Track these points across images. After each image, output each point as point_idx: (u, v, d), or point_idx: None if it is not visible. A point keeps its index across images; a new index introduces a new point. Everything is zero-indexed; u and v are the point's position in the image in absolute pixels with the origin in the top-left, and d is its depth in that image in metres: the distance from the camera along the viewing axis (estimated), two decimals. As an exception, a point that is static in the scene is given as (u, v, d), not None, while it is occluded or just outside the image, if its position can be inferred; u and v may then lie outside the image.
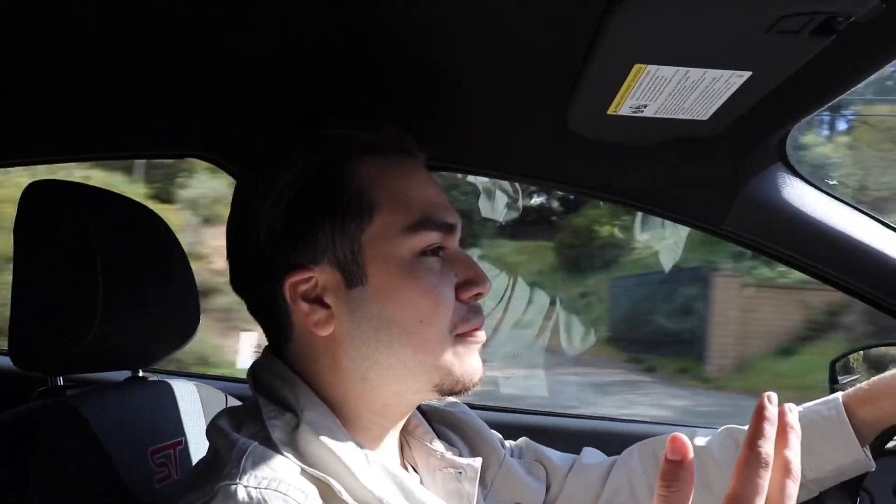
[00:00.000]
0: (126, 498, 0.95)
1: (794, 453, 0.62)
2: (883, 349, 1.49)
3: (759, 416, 0.61)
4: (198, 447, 1.14)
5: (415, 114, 1.18)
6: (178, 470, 1.09)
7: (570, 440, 1.24)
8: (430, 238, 0.86)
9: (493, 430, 1.14)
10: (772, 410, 0.62)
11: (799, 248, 1.37)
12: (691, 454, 0.58)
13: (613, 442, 1.22)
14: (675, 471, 0.58)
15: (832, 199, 1.36)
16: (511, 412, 1.69)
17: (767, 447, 0.60)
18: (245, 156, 1.36)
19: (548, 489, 1.13)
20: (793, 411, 0.64)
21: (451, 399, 1.16)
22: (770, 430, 0.61)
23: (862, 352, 1.56)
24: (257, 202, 0.87)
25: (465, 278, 0.89)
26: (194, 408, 1.19)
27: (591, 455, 1.19)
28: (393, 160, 0.90)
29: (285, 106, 1.19)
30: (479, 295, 0.90)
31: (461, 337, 0.88)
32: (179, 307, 1.13)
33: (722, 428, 1.10)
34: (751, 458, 0.60)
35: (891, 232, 1.37)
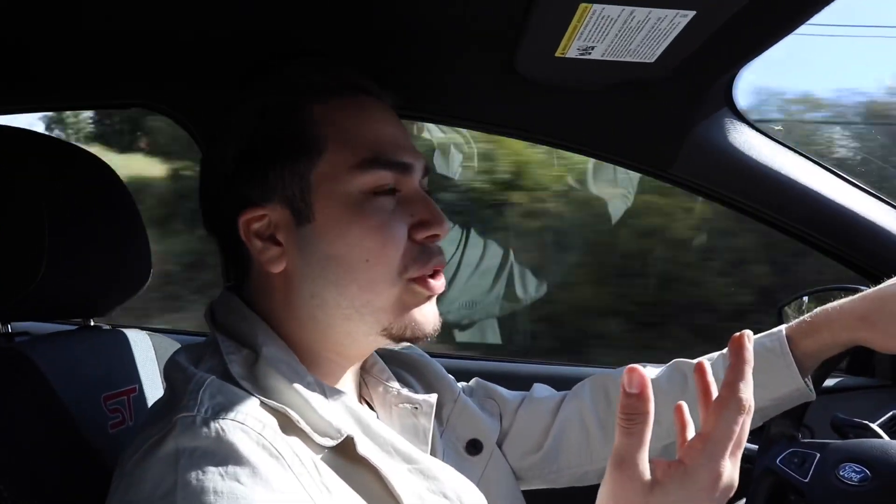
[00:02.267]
0: (78, 442, 0.95)
1: (750, 389, 0.64)
2: (828, 293, 1.53)
3: (738, 358, 0.63)
4: (153, 393, 1.14)
5: (360, 59, 1.17)
6: (133, 416, 1.09)
7: (523, 384, 1.26)
8: (381, 177, 0.87)
9: (447, 373, 1.16)
10: (751, 352, 0.63)
11: (745, 192, 1.40)
12: (649, 385, 0.60)
13: (566, 385, 1.24)
14: (634, 403, 0.60)
15: (777, 145, 1.39)
16: (465, 359, 1.72)
17: (747, 392, 0.62)
18: (194, 105, 1.34)
19: (500, 424, 1.15)
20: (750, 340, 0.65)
21: (406, 343, 1.18)
22: (748, 372, 0.63)
23: (807, 297, 1.60)
24: (214, 144, 0.91)
25: (420, 219, 0.89)
26: (148, 355, 1.19)
27: (541, 390, 1.22)
28: (346, 100, 0.90)
29: (233, 54, 1.18)
30: (434, 237, 0.90)
31: (413, 282, 0.88)
32: (129, 256, 1.12)
33: (671, 361, 1.13)
34: (730, 402, 0.62)
35: (832, 176, 1.41)
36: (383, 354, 1.10)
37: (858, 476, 1.01)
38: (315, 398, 0.81)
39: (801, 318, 1.05)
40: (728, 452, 0.61)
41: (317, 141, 0.86)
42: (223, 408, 0.74)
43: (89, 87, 1.39)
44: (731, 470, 0.62)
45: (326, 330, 0.88)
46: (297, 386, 0.81)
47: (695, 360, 1.10)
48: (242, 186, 0.87)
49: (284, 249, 0.86)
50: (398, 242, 0.86)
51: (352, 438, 0.79)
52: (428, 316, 0.90)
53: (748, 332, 0.64)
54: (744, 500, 1.25)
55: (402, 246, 0.87)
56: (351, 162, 0.86)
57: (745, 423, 0.63)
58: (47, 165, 1.00)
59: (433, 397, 1.00)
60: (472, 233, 2.96)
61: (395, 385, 1.02)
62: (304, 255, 0.86)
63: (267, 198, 0.86)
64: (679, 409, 0.78)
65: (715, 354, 1.09)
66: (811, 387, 1.04)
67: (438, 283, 0.90)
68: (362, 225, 0.85)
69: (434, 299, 0.91)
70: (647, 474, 0.61)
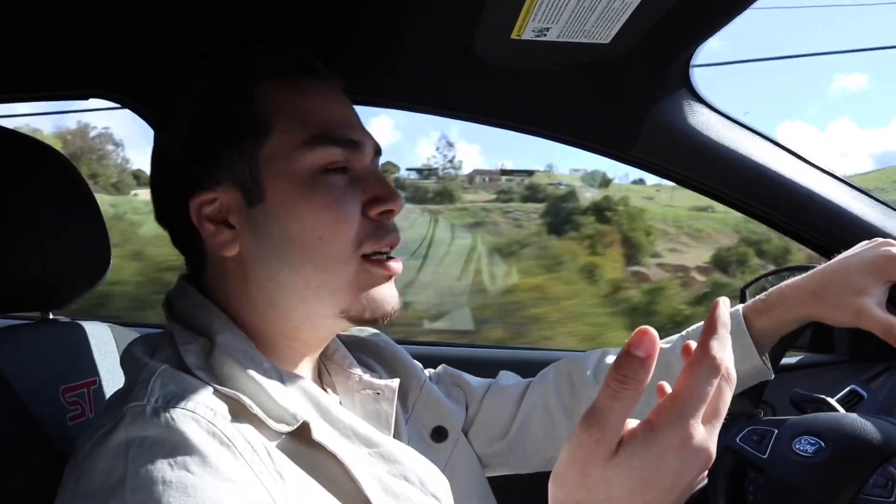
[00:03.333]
0: (36, 435, 0.94)
1: (731, 358, 0.60)
2: (791, 273, 1.56)
3: (713, 319, 0.59)
4: (113, 386, 1.13)
5: (314, 43, 1.16)
6: (93, 408, 1.08)
7: (490, 369, 1.27)
8: (330, 154, 0.87)
9: (413, 360, 1.16)
10: (726, 314, 0.60)
11: (704, 172, 1.42)
12: (657, 351, 0.55)
13: (532, 369, 1.24)
14: (634, 366, 0.55)
15: (736, 125, 1.41)
16: (432, 345, 1.72)
17: (722, 353, 0.58)
18: (151, 94, 1.32)
19: (466, 412, 1.16)
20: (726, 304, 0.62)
21: (373, 329, 1.18)
22: (725, 334, 0.59)
23: (771, 277, 1.63)
24: (167, 129, 0.91)
25: (373, 195, 0.89)
26: (108, 348, 1.18)
27: (507, 377, 1.22)
28: (294, 81, 0.90)
29: (186, 40, 1.17)
30: (389, 213, 0.90)
31: (368, 259, 0.88)
32: (87, 248, 1.11)
33: (683, 332, 1.13)
34: (704, 362, 0.57)
35: (790, 156, 1.43)
36: (348, 341, 1.09)
37: (813, 448, 1.03)
38: (271, 384, 0.81)
39: (757, 297, 1.06)
40: (699, 414, 0.56)
41: (264, 121, 0.86)
42: (174, 396, 0.74)
43: (44, 78, 1.36)
44: (704, 435, 0.56)
45: (285, 314, 0.88)
46: (253, 373, 0.80)
47: (662, 342, 1.10)
48: (192, 171, 0.87)
49: (237, 232, 0.86)
50: (351, 219, 0.86)
51: (308, 424, 0.79)
52: (387, 296, 0.90)
53: (724, 298, 0.61)
54: (705, 481, 1.28)
55: (356, 222, 0.87)
56: (299, 140, 0.86)
57: (721, 388, 0.58)
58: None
59: (395, 382, 1.00)
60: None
61: (357, 371, 1.02)
62: (257, 237, 0.86)
63: (217, 181, 0.86)
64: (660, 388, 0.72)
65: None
66: (769, 365, 1.05)
67: (396, 265, 0.90)
68: (314, 202, 0.85)
69: (393, 280, 0.91)
70: (616, 441, 0.56)
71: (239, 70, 0.89)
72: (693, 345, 0.64)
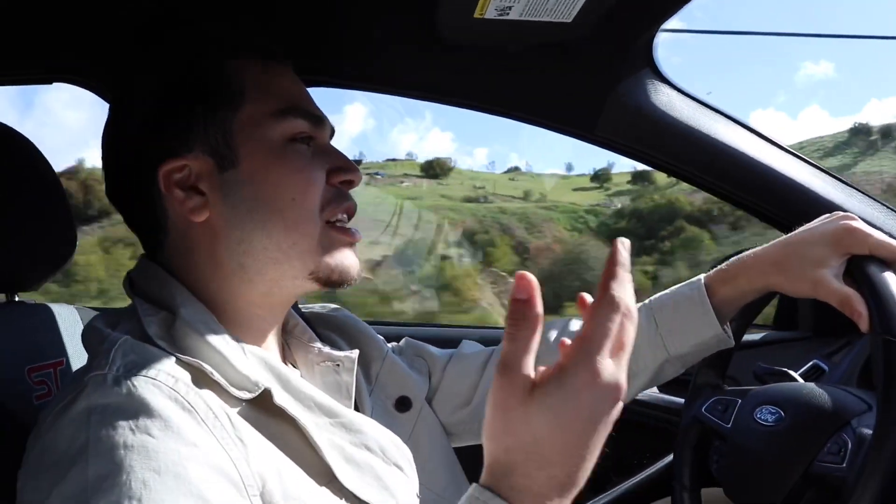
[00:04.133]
0: (1, 413, 0.94)
1: (630, 297, 0.63)
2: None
3: (612, 261, 0.63)
4: (80, 366, 1.13)
5: (281, 28, 1.17)
6: (59, 388, 1.08)
7: (454, 346, 1.27)
8: (299, 125, 0.90)
9: (376, 333, 1.17)
10: (625, 255, 0.64)
11: (668, 151, 1.43)
12: (538, 293, 0.60)
13: (497, 344, 1.25)
14: (521, 309, 0.60)
15: (699, 105, 1.42)
16: (396, 325, 1.72)
17: (620, 291, 0.61)
18: (111, 73, 1.31)
19: (430, 381, 1.17)
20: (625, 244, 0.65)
21: (334, 305, 1.19)
22: (623, 274, 0.63)
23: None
24: (129, 99, 0.92)
25: (336, 165, 0.93)
26: (76, 329, 1.17)
27: (469, 346, 1.23)
28: (259, 61, 0.93)
29: (147, 19, 1.16)
30: (349, 182, 0.94)
31: (332, 226, 0.91)
32: (52, 230, 1.10)
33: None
34: (604, 301, 0.61)
35: (752, 135, 1.45)
36: (310, 318, 1.10)
37: (773, 416, 1.05)
38: (232, 353, 0.82)
39: (719, 266, 1.08)
40: (605, 350, 0.60)
41: (238, 90, 0.89)
42: (135, 365, 0.74)
43: (5, 62, 1.35)
44: (612, 369, 0.60)
45: (254, 278, 0.89)
46: (214, 342, 0.81)
47: (652, 297, 1.12)
48: (160, 139, 0.88)
49: (207, 199, 0.87)
50: (318, 183, 0.90)
51: (269, 391, 0.80)
52: (351, 262, 0.93)
53: (622, 239, 0.64)
54: (672, 455, 1.30)
55: (322, 187, 0.91)
56: (270, 110, 0.89)
57: (624, 325, 0.62)
58: None
59: (354, 353, 1.01)
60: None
61: (317, 344, 1.03)
62: (228, 201, 0.87)
63: (188, 147, 0.87)
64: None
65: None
66: (730, 333, 1.07)
67: (357, 235, 0.95)
68: (286, 167, 0.88)
69: (355, 248, 0.95)
70: (530, 380, 0.61)
71: (208, 44, 0.92)
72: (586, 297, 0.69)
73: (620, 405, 0.62)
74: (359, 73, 1.38)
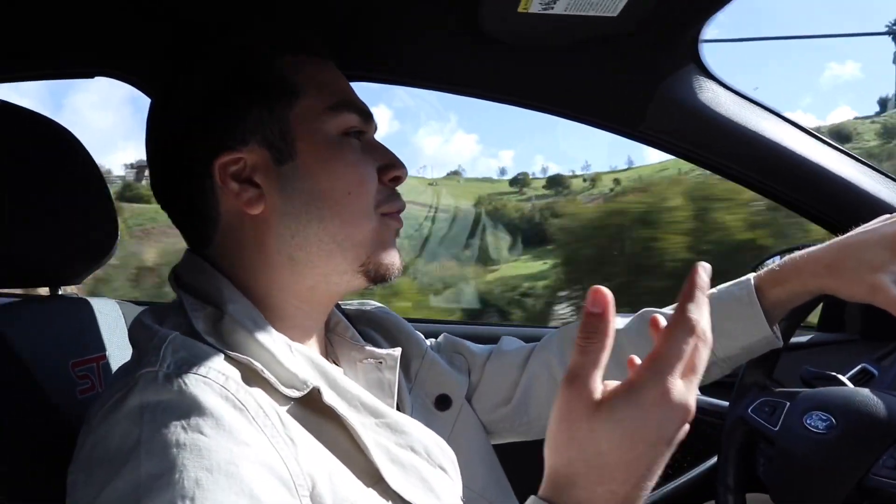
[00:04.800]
0: (46, 407, 0.94)
1: (707, 322, 0.64)
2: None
3: (691, 284, 0.63)
4: (121, 361, 1.12)
5: (324, 24, 1.16)
6: (102, 383, 1.08)
7: (493, 343, 1.26)
8: (351, 120, 0.92)
9: (415, 330, 1.16)
10: (704, 279, 0.64)
11: (714, 148, 1.41)
12: (612, 306, 0.60)
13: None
14: (594, 322, 0.61)
15: (745, 101, 1.40)
16: (435, 322, 1.72)
17: (697, 314, 0.62)
18: (154, 68, 1.32)
19: (469, 379, 1.16)
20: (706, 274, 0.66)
21: (375, 303, 1.18)
22: (701, 297, 0.63)
23: (779, 256, 1.62)
24: (180, 95, 0.91)
25: (383, 163, 0.93)
26: (117, 324, 1.18)
27: (509, 342, 1.22)
28: (307, 57, 0.94)
29: (188, 18, 1.17)
30: (397, 179, 0.95)
31: (385, 217, 0.93)
32: (94, 223, 1.11)
33: (640, 311, 1.13)
34: (680, 323, 0.61)
35: (800, 132, 1.42)
36: (351, 315, 1.10)
37: (824, 424, 1.02)
38: (280, 351, 0.81)
39: (770, 267, 1.05)
40: (676, 371, 0.60)
41: (293, 85, 0.90)
42: (186, 362, 0.74)
43: (47, 58, 1.37)
44: (682, 390, 0.60)
45: (303, 270, 0.90)
46: (262, 339, 0.81)
47: (662, 309, 1.11)
48: (215, 133, 0.88)
49: (263, 190, 0.88)
50: (372, 179, 0.92)
51: (318, 389, 0.80)
52: (396, 257, 0.95)
53: (703, 263, 0.65)
54: (716, 457, 1.28)
55: (376, 183, 0.92)
56: (325, 104, 0.91)
57: (697, 348, 0.62)
58: (3, 131, 0.99)
59: (397, 351, 1.01)
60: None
61: (360, 342, 1.03)
62: (284, 194, 0.88)
63: (244, 141, 0.88)
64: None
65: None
66: (779, 335, 1.05)
67: (401, 220, 0.96)
68: (342, 160, 0.90)
69: (397, 245, 0.96)
70: (597, 394, 0.61)
71: (260, 42, 0.92)
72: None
73: (687, 427, 0.62)
74: (403, 69, 1.38)
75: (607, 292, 0.60)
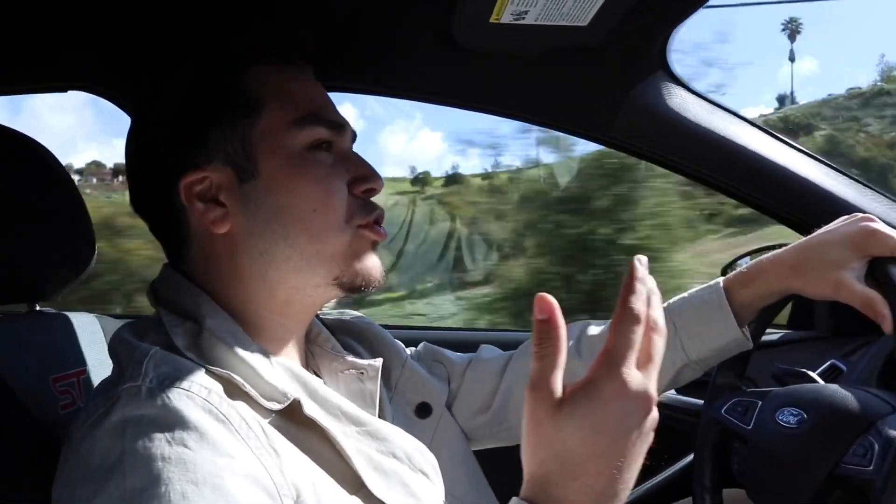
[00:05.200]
0: (27, 423, 0.94)
1: (658, 312, 0.66)
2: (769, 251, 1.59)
3: (630, 277, 0.64)
4: (101, 375, 1.12)
5: (295, 33, 1.17)
6: (83, 398, 1.08)
7: (472, 350, 1.27)
8: (318, 133, 0.90)
9: (395, 339, 1.17)
10: (642, 271, 0.65)
11: (683, 153, 1.43)
12: (558, 312, 0.62)
13: (513, 349, 1.25)
14: (544, 328, 0.62)
15: (712, 106, 1.42)
16: (415, 329, 1.72)
17: (639, 304, 0.63)
18: (128, 82, 1.32)
19: (449, 387, 1.17)
20: (651, 279, 0.67)
21: (354, 312, 1.19)
22: (641, 288, 0.64)
23: (749, 257, 1.65)
24: (149, 111, 0.92)
25: (356, 175, 0.92)
26: (96, 338, 1.17)
27: (488, 351, 1.23)
28: (277, 67, 0.93)
29: (164, 31, 1.17)
30: (371, 191, 0.94)
31: (361, 229, 0.91)
32: (71, 237, 1.11)
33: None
34: (624, 315, 0.63)
35: (766, 135, 1.45)
36: (331, 325, 1.10)
37: (795, 419, 1.05)
38: (260, 364, 0.82)
39: (738, 270, 1.08)
40: (630, 361, 0.62)
41: (256, 100, 0.89)
42: (168, 376, 0.75)
43: (25, 72, 1.36)
44: (639, 379, 0.62)
45: (276, 287, 0.90)
46: (242, 353, 0.81)
47: (670, 301, 1.12)
48: (180, 151, 0.88)
49: (228, 209, 0.88)
50: (340, 194, 0.90)
51: (298, 401, 0.80)
52: (375, 265, 0.94)
53: (641, 256, 0.66)
54: (692, 455, 1.30)
55: (345, 197, 0.90)
56: (290, 118, 0.89)
57: (651, 338, 0.64)
58: None
59: (378, 361, 1.02)
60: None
61: (341, 352, 1.03)
62: (249, 213, 0.88)
63: (207, 159, 0.88)
64: None
65: None
66: (748, 336, 1.07)
67: (383, 230, 0.94)
68: (306, 176, 0.88)
69: (377, 251, 0.95)
70: (558, 395, 0.62)
71: (227, 55, 0.92)
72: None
73: (655, 416, 0.64)
74: (375, 78, 1.38)
75: (551, 299, 0.62)
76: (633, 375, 0.62)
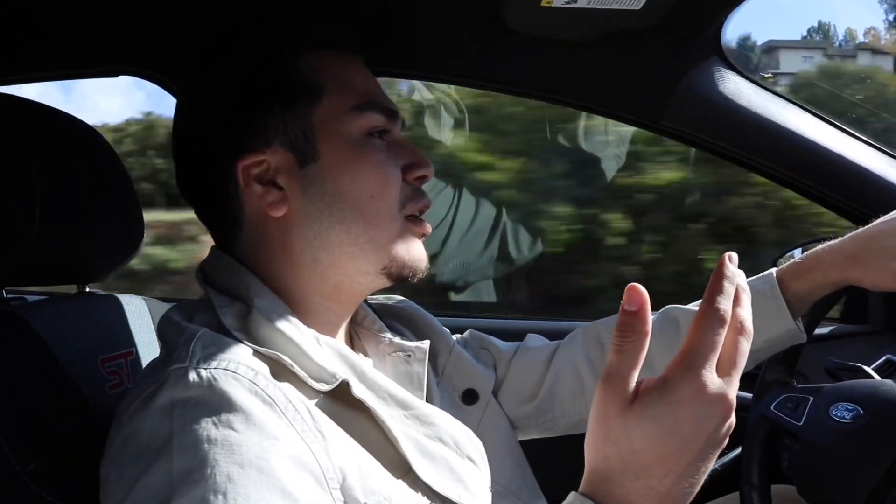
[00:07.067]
0: (78, 401, 0.95)
1: (746, 312, 0.63)
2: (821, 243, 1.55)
3: (718, 274, 0.62)
4: (149, 357, 1.13)
5: (349, 19, 1.17)
6: (130, 378, 1.09)
7: (517, 339, 1.26)
8: (376, 119, 0.91)
9: (441, 325, 1.16)
10: (731, 269, 0.63)
11: (736, 141, 1.41)
12: (648, 304, 0.59)
13: (558, 338, 1.24)
14: (630, 321, 0.59)
15: (767, 93, 1.39)
16: (460, 317, 1.72)
17: (726, 304, 0.61)
18: (179, 66, 1.33)
19: (495, 374, 1.16)
20: (741, 276, 0.64)
21: (400, 297, 1.18)
22: (729, 287, 0.61)
23: (801, 248, 1.61)
24: (204, 94, 0.91)
25: (409, 161, 0.92)
26: (144, 321, 1.19)
27: (535, 340, 1.23)
28: (334, 53, 0.94)
29: (215, 16, 1.17)
30: (423, 178, 0.94)
31: (410, 219, 0.92)
32: (121, 221, 1.12)
33: (663, 308, 1.13)
34: (709, 314, 0.60)
35: (822, 123, 1.41)
36: (377, 308, 1.10)
37: (851, 413, 1.02)
38: (309, 345, 0.82)
39: (792, 260, 1.05)
40: (710, 364, 0.59)
41: (316, 85, 0.89)
42: (215, 357, 0.75)
43: (71, 57, 1.38)
44: (719, 383, 0.59)
45: (327, 271, 0.90)
46: (291, 334, 0.81)
47: (686, 306, 1.11)
48: (237, 134, 0.88)
49: (286, 192, 0.88)
50: (396, 180, 0.91)
51: (347, 383, 0.80)
52: (422, 255, 0.94)
53: (730, 253, 0.64)
54: (739, 448, 1.28)
55: (399, 185, 0.91)
56: (349, 104, 0.90)
57: (736, 341, 0.61)
58: (33, 129, 1.00)
59: (426, 343, 1.02)
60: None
61: (388, 335, 1.03)
62: (307, 196, 0.88)
63: (266, 142, 0.88)
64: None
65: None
66: (802, 328, 1.05)
67: (429, 227, 0.95)
68: (365, 162, 0.89)
69: (422, 241, 0.95)
70: (631, 391, 0.60)
71: (285, 38, 0.92)
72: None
73: (732, 422, 0.61)
74: (425, 63, 1.38)
75: (643, 291, 0.59)
76: (712, 379, 0.59)
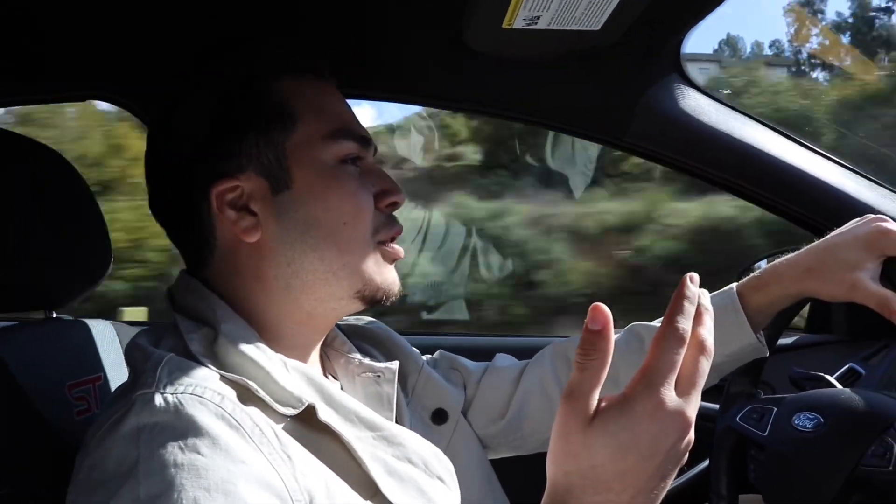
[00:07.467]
0: (44, 429, 0.94)
1: (708, 332, 0.64)
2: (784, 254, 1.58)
3: (679, 294, 0.63)
4: (118, 382, 1.13)
5: (309, 40, 1.18)
6: (98, 404, 1.09)
7: (486, 357, 1.27)
8: (349, 147, 0.92)
9: (410, 346, 1.17)
10: (692, 290, 0.64)
11: (698, 156, 1.43)
12: (611, 323, 0.60)
13: (527, 356, 1.25)
14: (593, 339, 0.60)
15: (726, 108, 1.42)
16: (430, 335, 1.73)
17: (685, 324, 0.62)
18: (148, 91, 1.33)
19: (465, 394, 1.17)
20: (704, 295, 0.66)
21: (369, 318, 1.19)
22: (689, 307, 0.63)
23: (765, 260, 1.64)
24: (178, 120, 0.91)
25: (381, 189, 0.94)
26: (112, 345, 1.18)
27: (503, 359, 1.23)
28: (307, 79, 0.95)
29: (183, 41, 1.18)
30: (395, 204, 0.95)
31: (382, 245, 0.93)
32: (88, 245, 1.11)
33: (628, 325, 1.15)
34: (668, 333, 0.62)
35: (781, 137, 1.44)
36: (347, 330, 1.11)
37: (812, 423, 1.04)
38: (276, 369, 0.82)
39: (752, 274, 1.07)
40: (668, 382, 0.60)
41: (291, 111, 0.90)
42: (182, 383, 0.75)
43: (42, 82, 1.37)
44: (677, 401, 0.60)
45: (300, 297, 0.90)
46: (257, 359, 0.81)
47: (651, 323, 1.12)
48: (211, 160, 0.88)
49: (259, 219, 0.88)
50: (369, 207, 0.92)
51: (313, 406, 0.80)
52: (394, 278, 0.95)
53: (692, 274, 0.65)
54: (707, 460, 1.29)
55: (372, 212, 0.92)
56: (323, 131, 0.91)
57: (696, 360, 0.63)
58: (2, 156, 0.99)
59: (395, 364, 1.02)
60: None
61: (357, 356, 1.03)
62: (280, 223, 0.88)
63: (241, 168, 0.88)
64: None
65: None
66: (764, 341, 1.06)
67: (402, 251, 0.96)
68: (338, 190, 0.90)
69: (395, 264, 0.96)
70: (592, 408, 0.61)
71: (261, 62, 0.93)
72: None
73: (691, 439, 0.62)
74: (389, 85, 1.39)
75: (606, 310, 0.60)
76: (671, 397, 0.60)
